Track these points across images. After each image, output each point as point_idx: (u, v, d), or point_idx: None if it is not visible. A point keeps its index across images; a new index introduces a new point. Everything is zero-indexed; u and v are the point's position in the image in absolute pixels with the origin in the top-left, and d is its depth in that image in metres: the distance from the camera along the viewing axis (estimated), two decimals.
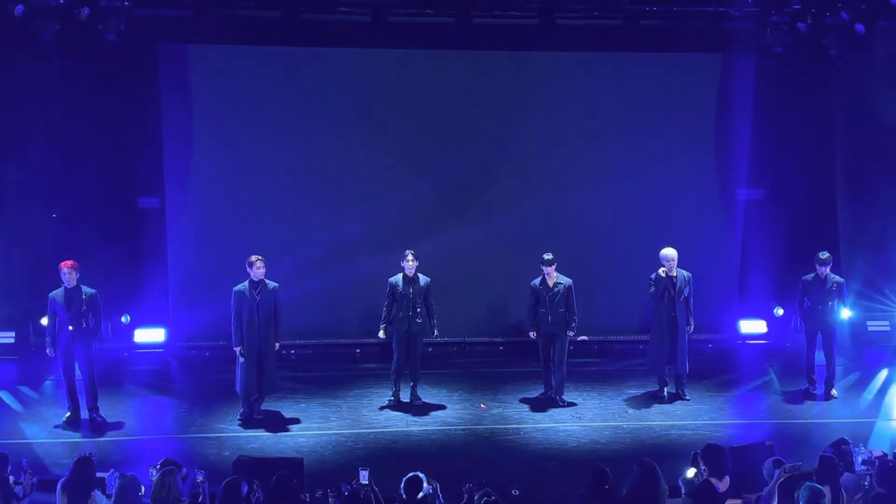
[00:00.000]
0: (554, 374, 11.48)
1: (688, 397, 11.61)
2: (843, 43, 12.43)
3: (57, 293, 10.62)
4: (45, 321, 12.41)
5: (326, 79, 13.21)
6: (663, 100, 13.50)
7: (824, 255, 11.58)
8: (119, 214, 13.19)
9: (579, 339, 11.43)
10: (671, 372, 11.63)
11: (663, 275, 11.31)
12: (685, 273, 11.45)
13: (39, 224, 12.90)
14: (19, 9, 11.35)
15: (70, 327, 10.57)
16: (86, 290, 10.67)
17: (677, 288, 11.34)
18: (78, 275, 10.62)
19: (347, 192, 13.32)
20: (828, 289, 11.53)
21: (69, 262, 10.62)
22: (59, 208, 13.08)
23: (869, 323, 13.67)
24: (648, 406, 11.47)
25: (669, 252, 11.38)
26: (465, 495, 7.31)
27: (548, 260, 11.26)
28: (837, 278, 11.65)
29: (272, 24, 12.76)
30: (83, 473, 7.44)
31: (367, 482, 7.62)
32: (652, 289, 11.40)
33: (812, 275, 11.64)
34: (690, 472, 7.58)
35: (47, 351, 10.77)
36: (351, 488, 7.40)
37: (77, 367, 10.75)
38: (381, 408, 11.32)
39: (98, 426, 10.60)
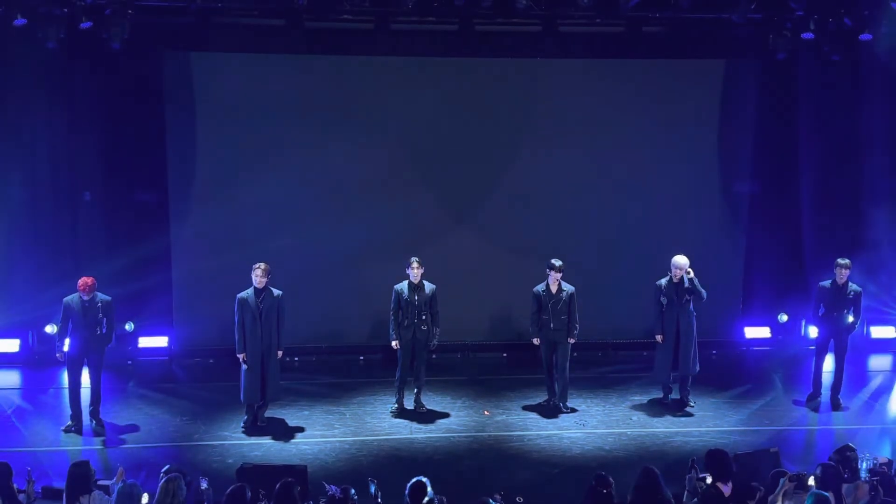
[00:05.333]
0: (557, 381, 11.47)
1: (692, 403, 11.59)
2: (845, 49, 12.45)
3: (73, 300, 10.57)
4: (49, 328, 12.50)
5: (329, 86, 13.21)
6: (666, 107, 13.49)
7: (844, 260, 11.39)
8: (123, 221, 13.18)
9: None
10: (675, 378, 11.61)
11: (676, 280, 11.29)
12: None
13: (43, 233, 12.90)
14: (19, 21, 11.37)
15: (85, 334, 10.54)
16: (101, 297, 10.65)
17: (681, 294, 11.31)
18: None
19: (351, 199, 13.32)
20: (845, 295, 11.38)
21: (90, 281, 10.52)
22: (63, 216, 13.08)
23: (872, 328, 13.66)
24: (652, 413, 11.46)
25: (679, 260, 11.34)
26: None
27: (557, 266, 11.24)
28: (856, 287, 11.48)
29: (275, 32, 12.75)
30: (80, 477, 7.43)
31: (374, 493, 7.62)
32: (663, 300, 11.37)
33: (829, 281, 11.47)
34: None
35: (57, 355, 10.74)
36: (337, 489, 7.37)
37: (87, 373, 10.73)
38: (394, 415, 11.30)
39: (97, 429, 10.65)
